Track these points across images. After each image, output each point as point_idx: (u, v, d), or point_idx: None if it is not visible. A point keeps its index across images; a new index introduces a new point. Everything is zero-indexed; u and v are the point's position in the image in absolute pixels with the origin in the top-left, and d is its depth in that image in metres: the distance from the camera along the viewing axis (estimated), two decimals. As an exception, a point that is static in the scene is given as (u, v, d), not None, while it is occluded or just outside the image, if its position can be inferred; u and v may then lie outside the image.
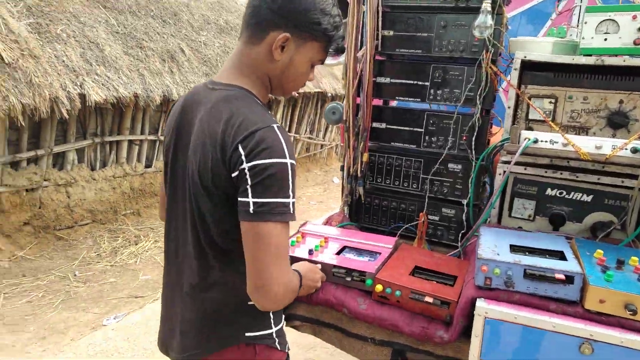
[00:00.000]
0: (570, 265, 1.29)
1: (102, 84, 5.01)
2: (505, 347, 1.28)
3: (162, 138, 6.46)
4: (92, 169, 5.72)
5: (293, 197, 1.12)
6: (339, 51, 1.28)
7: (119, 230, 5.87)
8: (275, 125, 1.11)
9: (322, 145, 10.93)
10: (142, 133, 6.21)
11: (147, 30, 6.20)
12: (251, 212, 1.08)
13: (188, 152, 1.22)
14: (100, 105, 5.09)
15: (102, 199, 5.78)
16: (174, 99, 5.96)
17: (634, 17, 1.56)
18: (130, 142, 6.11)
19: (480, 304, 1.31)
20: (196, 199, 1.19)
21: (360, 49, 2.00)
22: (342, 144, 2.27)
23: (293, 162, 1.11)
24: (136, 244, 5.55)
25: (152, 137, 6.33)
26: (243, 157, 1.08)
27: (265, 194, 1.07)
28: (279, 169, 1.08)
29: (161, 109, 6.37)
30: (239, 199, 1.10)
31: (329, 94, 9.81)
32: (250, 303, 1.19)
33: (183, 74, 6.24)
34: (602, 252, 1.36)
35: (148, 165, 6.44)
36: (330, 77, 9.95)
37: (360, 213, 2.16)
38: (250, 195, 1.08)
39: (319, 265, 1.59)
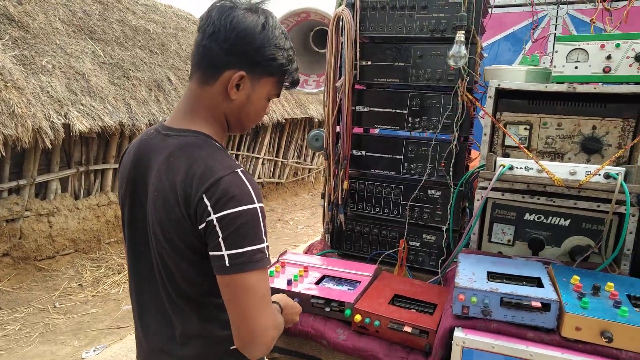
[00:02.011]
0: (547, 292, 1.28)
1: (87, 114, 5.01)
2: (484, 377, 1.25)
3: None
4: (76, 197, 5.66)
5: (266, 241, 1.08)
6: (294, 84, 1.26)
7: (102, 259, 5.77)
8: (239, 170, 1.07)
9: (309, 170, 10.97)
10: (127, 161, 6.18)
11: (134, 60, 6.26)
12: (227, 265, 1.03)
13: (146, 205, 1.16)
14: (85, 134, 5.07)
15: (85, 228, 5.69)
16: (160, 127, 5.97)
17: (602, 46, 1.60)
18: (116, 170, 6.07)
19: (458, 333, 1.29)
20: (161, 255, 1.14)
21: (340, 78, 2.03)
22: (325, 170, 2.28)
23: (262, 205, 1.08)
24: (119, 273, 5.46)
25: (137, 165, 6.30)
26: (210, 208, 1.03)
27: (239, 245, 1.03)
28: (250, 216, 1.04)
29: (147, 137, 6.37)
30: (211, 253, 1.05)
31: (316, 120, 9.91)
32: (232, 348, 1.15)
33: (170, 102, 6.27)
34: (578, 278, 1.36)
35: (133, 194, 6.39)
36: (317, 103, 10.07)
37: (341, 240, 2.15)
38: (223, 248, 1.03)
39: (296, 299, 1.55)
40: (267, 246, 1.08)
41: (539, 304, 1.24)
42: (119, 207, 6.09)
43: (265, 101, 1.22)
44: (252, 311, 1.04)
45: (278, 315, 1.20)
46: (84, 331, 4.16)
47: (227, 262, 1.03)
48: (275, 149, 9.49)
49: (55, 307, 4.59)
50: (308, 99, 9.78)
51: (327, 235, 2.18)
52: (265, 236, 1.08)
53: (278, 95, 1.26)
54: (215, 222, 1.02)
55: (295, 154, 10.27)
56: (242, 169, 1.09)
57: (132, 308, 1.30)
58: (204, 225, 1.04)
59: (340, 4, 3.05)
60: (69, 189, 5.55)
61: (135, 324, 1.29)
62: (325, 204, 2.15)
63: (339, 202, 2.08)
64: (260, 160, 8.99)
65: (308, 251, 2.11)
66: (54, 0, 5.88)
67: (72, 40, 5.64)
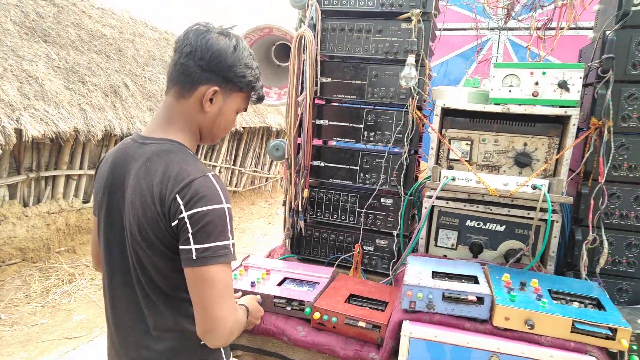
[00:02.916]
0: (482, 288, 1.47)
1: (41, 119, 4.90)
2: (428, 364, 1.42)
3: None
4: (25, 205, 5.48)
5: (232, 239, 1.20)
6: (260, 99, 1.41)
7: (52, 268, 5.60)
8: (210, 174, 1.20)
9: (267, 179, 11.03)
10: (80, 168, 6.05)
11: (90, 65, 6.16)
12: (194, 258, 1.15)
13: (124, 207, 1.26)
14: (38, 140, 4.95)
15: (34, 236, 5.52)
16: (117, 133, 5.90)
17: (532, 73, 1.83)
18: (68, 177, 5.93)
19: (406, 325, 1.45)
20: (136, 251, 1.24)
21: (301, 93, 2.17)
22: (286, 179, 2.40)
23: (229, 206, 1.20)
24: (70, 283, 5.32)
25: (91, 172, 6.17)
26: (182, 207, 1.15)
27: (206, 240, 1.15)
28: (218, 215, 1.16)
29: (102, 144, 6.26)
30: (181, 247, 1.17)
31: (274, 129, 10.02)
32: (203, 342, 1.26)
33: (126, 109, 6.20)
34: (509, 275, 1.56)
35: (86, 201, 6.25)
36: (275, 112, 10.18)
37: (301, 245, 2.28)
38: (192, 242, 1.15)
39: (259, 297, 1.66)
40: (233, 243, 1.20)
41: (474, 298, 1.42)
42: (71, 214, 5.94)
43: (235, 114, 1.36)
44: (213, 301, 1.16)
45: (239, 310, 1.31)
46: (33, 342, 4.05)
47: (194, 255, 1.15)
48: (233, 157, 9.51)
49: (0, 318, 4.44)
50: (266, 108, 9.88)
51: (287, 241, 2.30)
52: (231, 234, 1.20)
53: (245, 109, 1.40)
54: (186, 219, 1.14)
55: (253, 163, 10.32)
56: (212, 173, 1.22)
57: (106, 307, 1.37)
58: (176, 222, 1.16)
59: (302, 23, 3.22)
60: (18, 195, 5.37)
61: (108, 324, 1.37)
62: (286, 211, 2.28)
63: (299, 210, 2.22)
64: (218, 169, 8.98)
65: (269, 255, 2.23)
66: (4, 0, 5.72)
67: (24, 42, 5.50)
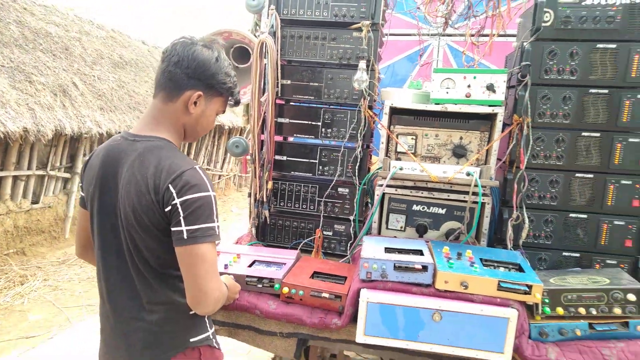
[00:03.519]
0: (426, 258, 1.75)
1: (-12, 118, 4.79)
2: (382, 322, 1.68)
3: (51, 173, 6.20)
4: (-29, 207, 5.32)
5: (217, 222, 1.40)
6: (237, 103, 1.62)
7: (1, 271, 5.46)
8: (197, 167, 1.40)
9: (220, 176, 11.07)
10: (29, 168, 5.92)
11: (36, 64, 6.02)
12: (185, 237, 1.33)
13: (117, 196, 1.42)
14: (-15, 139, 4.84)
15: (-19, 239, 5.37)
16: (67, 133, 5.82)
17: (465, 77, 2.14)
18: (16, 177, 5.79)
19: (363, 292, 1.71)
20: (131, 234, 1.40)
21: (263, 94, 2.38)
22: (243, 174, 2.59)
23: (214, 194, 1.40)
24: (22, 284, 5.22)
25: (40, 172, 6.05)
26: (174, 194, 1.33)
27: (196, 222, 1.34)
28: (205, 201, 1.36)
29: (51, 144, 6.14)
30: (173, 229, 1.35)
31: (226, 127, 10.08)
32: (191, 313, 1.45)
33: (76, 108, 6.12)
34: (448, 248, 1.85)
35: (35, 202, 6.11)
36: (228, 111, 10.23)
37: (266, 233, 2.49)
38: (183, 224, 1.33)
39: (232, 277, 1.86)
40: (218, 226, 1.41)
41: (420, 267, 1.70)
42: (20, 215, 5.80)
43: (215, 115, 1.55)
44: (202, 274, 1.35)
45: (223, 284, 1.52)
46: (-13, 344, 4.00)
47: (185, 235, 1.34)
48: (185, 154, 9.50)
49: (-50, 322, 4.33)
50: (218, 107, 9.93)
51: (253, 229, 2.50)
52: (217, 218, 1.40)
53: (224, 112, 1.60)
54: (178, 205, 1.33)
55: (206, 160, 10.33)
56: (199, 165, 1.41)
57: (100, 289, 1.53)
58: (169, 207, 1.34)
59: (257, 26, 3.42)
60: (-37, 198, 5.21)
61: (103, 302, 1.53)
62: (252, 201, 2.48)
63: (264, 200, 2.43)
64: (171, 168, 8.94)
65: (237, 243, 2.42)
66: (-59, -4, 5.50)
67: (-35, 40, 5.32)
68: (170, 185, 1.34)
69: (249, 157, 2.77)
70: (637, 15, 1.92)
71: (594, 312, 1.71)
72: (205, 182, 1.38)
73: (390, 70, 3.74)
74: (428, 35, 3.43)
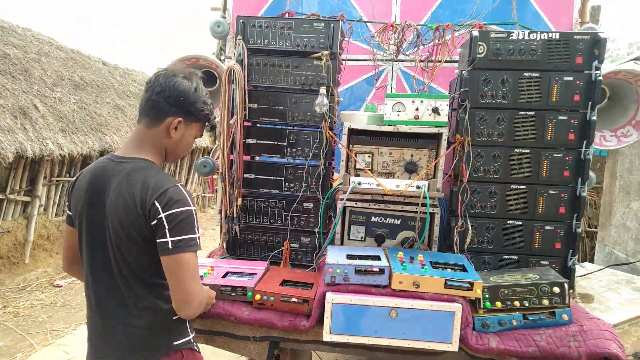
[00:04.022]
0: (383, 263, 1.98)
1: (-53, 142, 4.72)
2: (345, 321, 1.89)
3: (10, 197, 6.10)
4: None
5: (198, 233, 1.57)
6: (213, 128, 1.82)
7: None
8: (178, 184, 1.57)
9: (184, 198, 11.01)
10: (-14, 191, 5.81)
11: (-5, 86, 5.96)
12: (170, 247, 1.50)
13: (105, 212, 1.57)
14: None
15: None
16: (29, 155, 5.77)
17: (413, 102, 2.41)
18: (-26, 201, 5.68)
19: (328, 295, 1.91)
20: (119, 247, 1.55)
21: (232, 117, 2.57)
22: (208, 194, 2.75)
23: (194, 208, 1.59)
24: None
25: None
26: (160, 209, 1.50)
27: (180, 233, 1.51)
28: (187, 214, 1.54)
29: (11, 166, 6.05)
30: (158, 240, 1.51)
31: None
32: (174, 318, 1.61)
33: (38, 131, 6.08)
34: (402, 253, 2.08)
35: (-7, 226, 5.99)
36: (190, 132, 10.28)
37: (236, 247, 2.65)
38: (168, 236, 1.50)
39: (207, 287, 2.02)
40: (199, 237, 1.58)
41: (378, 270, 1.92)
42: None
43: (193, 139, 1.74)
44: (186, 280, 1.52)
45: (204, 288, 1.68)
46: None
47: (170, 245, 1.51)
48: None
49: None
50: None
51: (224, 244, 2.66)
52: (197, 229, 1.58)
53: (201, 135, 1.79)
54: (163, 218, 1.50)
55: (169, 181, 10.30)
56: (180, 183, 1.59)
57: (89, 299, 1.66)
58: (155, 221, 1.51)
59: (222, 50, 3.63)
60: None
61: (91, 310, 1.66)
62: (222, 217, 2.65)
63: (234, 216, 2.60)
64: (133, 188, 8.89)
65: (210, 257, 2.57)
66: None
67: None
68: (155, 201, 1.51)
69: (215, 175, 2.95)
70: (554, 48, 2.25)
71: (526, 304, 1.98)
72: (187, 197, 1.56)
73: (349, 92, 4.00)
74: (382, 60, 3.72)
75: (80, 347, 4.23)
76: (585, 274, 4.00)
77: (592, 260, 6.30)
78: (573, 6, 3.42)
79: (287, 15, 3.38)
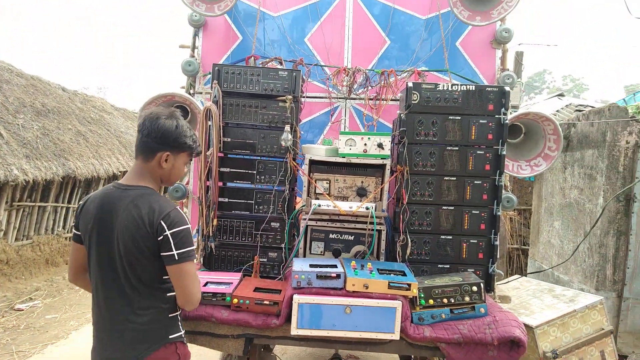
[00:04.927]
0: (339, 270, 2.44)
1: None
2: (309, 318, 2.32)
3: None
4: None
5: (194, 246, 1.99)
6: (198, 154, 2.21)
7: None
8: (177, 207, 1.98)
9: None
10: (-52, 218, 5.84)
11: (-41, 113, 6.05)
12: (176, 258, 1.90)
13: (114, 230, 1.94)
14: None
15: None
16: (-7, 181, 5.87)
17: (362, 138, 2.92)
18: None
19: (295, 296, 2.34)
20: (128, 258, 1.92)
21: (209, 149, 2.99)
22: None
23: (190, 225, 2.00)
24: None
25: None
26: (165, 228, 1.90)
27: (182, 247, 1.92)
28: (187, 231, 1.95)
29: (-26, 192, 6.11)
30: (165, 253, 1.90)
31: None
32: (170, 316, 2.00)
33: (2, 157, 6.18)
34: (354, 262, 2.55)
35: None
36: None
37: (212, 262, 3.03)
38: (173, 249, 1.90)
39: None
40: (194, 248, 1.99)
41: (335, 275, 2.38)
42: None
43: (183, 165, 2.14)
44: (189, 283, 1.93)
45: (200, 288, 2.07)
46: None
47: (175, 257, 1.91)
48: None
49: None
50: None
51: (201, 259, 3.04)
52: (193, 243, 1.98)
53: (190, 161, 2.19)
54: (169, 235, 1.90)
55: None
56: (177, 207, 1.99)
57: (97, 302, 2.01)
58: (162, 237, 1.91)
59: (191, 86, 4.06)
60: None
61: (100, 311, 2.01)
62: (200, 236, 3.03)
63: (210, 235, 2.99)
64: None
65: (189, 271, 2.94)
66: None
67: None
68: (162, 221, 1.91)
69: (185, 199, 3.35)
70: (472, 97, 2.84)
71: (452, 301, 2.49)
72: (184, 218, 1.97)
73: (309, 124, 4.50)
74: (337, 98, 4.26)
75: (51, 366, 4.40)
76: (502, 282, 4.61)
77: (526, 275, 7.02)
78: (495, 56, 4.11)
79: (252, 59, 3.87)
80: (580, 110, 6.67)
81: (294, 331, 2.34)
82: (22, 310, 5.94)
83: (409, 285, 2.39)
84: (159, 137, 2.01)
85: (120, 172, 9.19)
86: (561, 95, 9.44)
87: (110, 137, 9.77)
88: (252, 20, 4.30)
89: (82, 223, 2.04)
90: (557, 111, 7.82)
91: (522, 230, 7.88)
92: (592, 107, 6.87)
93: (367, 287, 2.36)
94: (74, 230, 2.12)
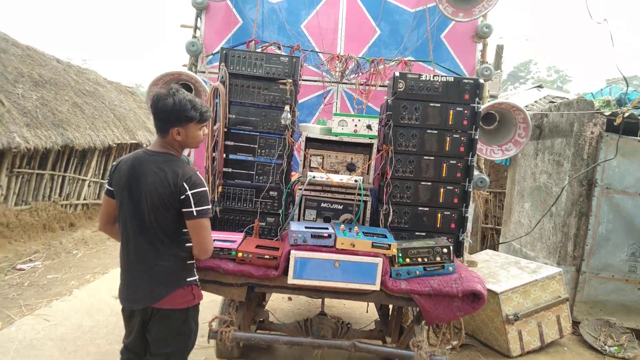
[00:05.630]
0: (330, 231, 2.85)
1: None
2: (303, 270, 2.74)
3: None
4: None
5: (210, 205, 2.37)
6: (207, 119, 2.47)
7: None
8: (197, 172, 2.36)
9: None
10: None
11: (-38, 81, 6.25)
12: (195, 214, 2.29)
13: (142, 189, 2.30)
14: None
15: None
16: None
17: (353, 120, 3.31)
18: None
19: (292, 252, 2.75)
20: (155, 212, 2.30)
21: (216, 124, 3.34)
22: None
23: (207, 188, 2.38)
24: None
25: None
26: (187, 188, 2.28)
27: (201, 204, 2.30)
28: (205, 192, 2.34)
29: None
30: (185, 210, 2.29)
31: (144, 145, 10.55)
32: (188, 262, 2.39)
33: (5, 124, 6.41)
34: (343, 226, 2.97)
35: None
36: (144, 130, 10.71)
37: (216, 225, 3.42)
38: (193, 206, 2.28)
39: None
40: (210, 207, 2.37)
41: (327, 235, 2.79)
42: None
43: (197, 132, 2.47)
44: (205, 236, 2.33)
45: (213, 240, 2.47)
46: None
47: (195, 213, 2.29)
48: (102, 171, 9.80)
49: None
50: (136, 125, 10.38)
51: (207, 222, 3.42)
52: (209, 202, 2.37)
53: (202, 126, 2.49)
54: (190, 195, 2.29)
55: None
56: (198, 171, 2.37)
57: (127, 248, 2.39)
58: (184, 196, 2.29)
59: (193, 65, 4.38)
60: None
61: (128, 255, 2.39)
62: (206, 202, 3.40)
63: (216, 200, 3.37)
64: (87, 182, 9.23)
65: (196, 231, 3.32)
66: None
67: None
68: (184, 183, 2.29)
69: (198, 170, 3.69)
70: (450, 88, 3.24)
71: (426, 260, 2.93)
72: (203, 181, 2.36)
73: (305, 105, 4.87)
74: (329, 82, 4.62)
75: (60, 317, 4.77)
76: (473, 255, 5.09)
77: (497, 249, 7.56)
78: (476, 49, 4.50)
79: (253, 43, 4.20)
80: (552, 102, 7.14)
81: (291, 280, 2.76)
82: (24, 270, 6.26)
83: (389, 245, 2.82)
84: (164, 117, 2.35)
85: (115, 144, 9.44)
86: (540, 87, 9.92)
87: (105, 110, 9.97)
88: (251, 5, 4.61)
89: (115, 180, 2.41)
90: (535, 102, 8.30)
91: (497, 212, 8.41)
92: (567, 98, 7.36)
93: (353, 246, 2.78)
94: (106, 186, 2.48)
